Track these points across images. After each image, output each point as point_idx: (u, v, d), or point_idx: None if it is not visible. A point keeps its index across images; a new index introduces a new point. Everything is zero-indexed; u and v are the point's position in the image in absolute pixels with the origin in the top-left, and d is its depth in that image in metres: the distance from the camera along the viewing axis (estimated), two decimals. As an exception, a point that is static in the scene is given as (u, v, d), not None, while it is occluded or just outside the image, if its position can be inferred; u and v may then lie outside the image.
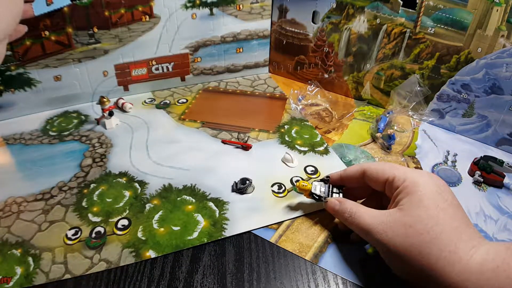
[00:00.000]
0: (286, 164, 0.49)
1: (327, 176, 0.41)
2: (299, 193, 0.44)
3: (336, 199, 0.38)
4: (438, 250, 0.29)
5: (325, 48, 0.64)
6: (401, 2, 0.54)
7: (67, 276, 0.35)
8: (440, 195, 0.32)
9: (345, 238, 0.39)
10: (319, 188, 0.40)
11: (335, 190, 0.40)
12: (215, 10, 0.62)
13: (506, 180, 0.47)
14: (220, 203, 0.43)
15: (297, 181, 0.46)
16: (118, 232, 0.39)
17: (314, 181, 0.41)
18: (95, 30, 0.56)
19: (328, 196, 0.40)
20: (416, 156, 0.52)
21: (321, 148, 0.52)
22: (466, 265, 0.28)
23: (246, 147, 0.51)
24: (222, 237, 0.39)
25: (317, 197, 0.40)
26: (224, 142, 0.53)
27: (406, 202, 0.32)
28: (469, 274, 0.28)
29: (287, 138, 0.54)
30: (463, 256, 0.28)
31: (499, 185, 0.47)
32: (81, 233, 0.39)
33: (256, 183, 0.45)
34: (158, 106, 0.61)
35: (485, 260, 0.28)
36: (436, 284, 0.29)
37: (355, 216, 0.35)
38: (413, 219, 0.30)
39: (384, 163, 0.38)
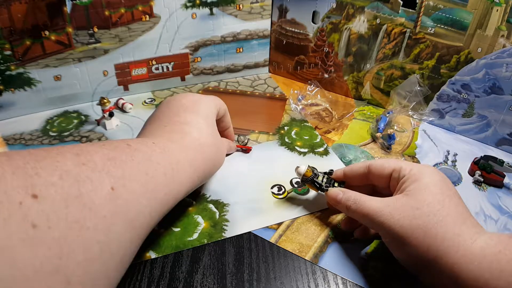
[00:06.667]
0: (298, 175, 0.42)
1: (330, 170, 0.41)
2: (298, 194, 0.44)
3: (339, 189, 0.38)
4: (444, 232, 0.30)
5: (325, 48, 0.64)
6: (401, 2, 0.54)
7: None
8: (446, 184, 0.33)
9: (345, 238, 0.39)
10: (321, 178, 0.40)
11: (336, 184, 0.40)
12: (215, 10, 0.62)
13: (506, 180, 0.47)
14: (220, 205, 0.43)
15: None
16: (118, 233, 0.39)
17: (316, 170, 0.41)
18: (95, 29, 0.56)
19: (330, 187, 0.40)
20: (416, 156, 0.52)
21: (321, 149, 0.52)
22: (470, 248, 0.29)
23: (246, 150, 0.51)
24: (222, 238, 0.39)
25: (318, 186, 0.40)
26: None
27: (412, 188, 0.33)
28: (472, 257, 0.28)
29: (287, 140, 0.54)
30: (467, 239, 0.29)
31: (499, 185, 0.47)
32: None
33: (255, 184, 0.46)
34: (158, 106, 0.61)
35: (487, 244, 0.29)
36: (439, 267, 0.30)
37: (359, 202, 0.34)
38: (420, 202, 0.31)
39: (389, 158, 0.38)
